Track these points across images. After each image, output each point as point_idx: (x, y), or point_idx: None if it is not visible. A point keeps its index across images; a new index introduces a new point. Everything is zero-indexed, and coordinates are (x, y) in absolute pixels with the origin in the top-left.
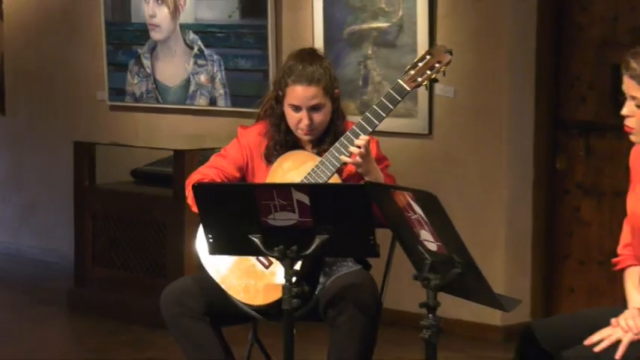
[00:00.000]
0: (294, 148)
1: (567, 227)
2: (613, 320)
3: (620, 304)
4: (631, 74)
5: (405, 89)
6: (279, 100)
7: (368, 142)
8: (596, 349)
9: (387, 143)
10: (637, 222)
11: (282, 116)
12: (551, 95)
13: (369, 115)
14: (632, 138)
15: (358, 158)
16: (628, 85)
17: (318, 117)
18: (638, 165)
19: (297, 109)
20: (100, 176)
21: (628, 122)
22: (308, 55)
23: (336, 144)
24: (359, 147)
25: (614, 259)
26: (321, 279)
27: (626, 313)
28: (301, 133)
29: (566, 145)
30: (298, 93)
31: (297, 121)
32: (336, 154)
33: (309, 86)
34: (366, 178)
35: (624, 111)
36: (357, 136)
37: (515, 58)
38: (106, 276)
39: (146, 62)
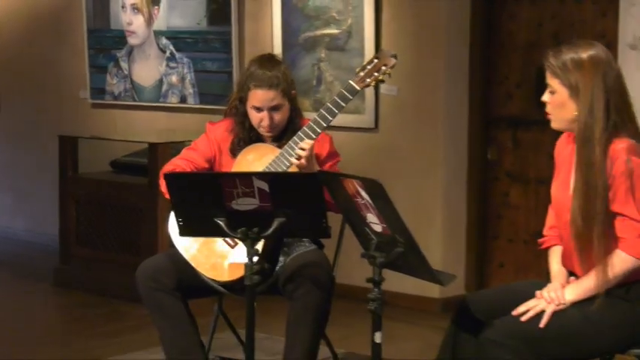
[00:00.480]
0: (256, 142)
1: (497, 210)
2: (537, 292)
3: (543, 279)
4: (547, 65)
5: (356, 89)
6: (242, 100)
7: (311, 146)
8: (523, 318)
9: (338, 137)
10: (560, 207)
11: (246, 115)
12: (482, 93)
13: (323, 111)
14: (552, 124)
15: (303, 161)
16: (547, 75)
17: (277, 116)
18: (561, 156)
19: (258, 110)
20: (82, 166)
21: (546, 109)
22: (267, 61)
23: (294, 137)
24: (303, 149)
25: (540, 240)
26: (281, 258)
27: (550, 286)
28: (263, 130)
29: (496, 137)
30: (259, 96)
31: (259, 120)
32: (294, 147)
33: (269, 90)
34: None
35: (543, 97)
36: (313, 130)
37: (451, 59)
38: (88, 255)
39: (124, 65)
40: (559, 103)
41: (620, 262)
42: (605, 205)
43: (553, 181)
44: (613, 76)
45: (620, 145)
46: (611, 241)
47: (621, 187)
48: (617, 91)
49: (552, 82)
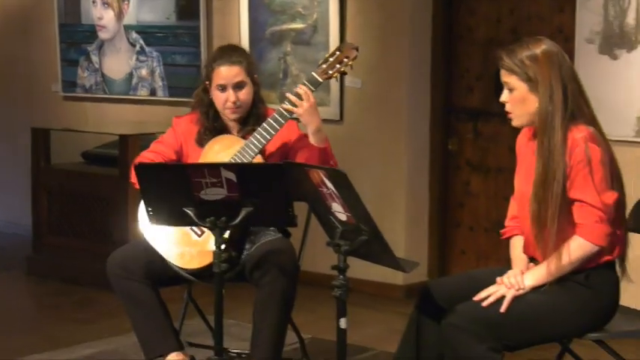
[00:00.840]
0: (222, 133)
1: (459, 199)
2: (498, 279)
3: (504, 265)
4: (502, 64)
5: (318, 81)
6: (206, 90)
7: (307, 92)
8: (484, 303)
9: (303, 128)
10: (522, 198)
11: (210, 104)
12: (444, 85)
13: (287, 103)
14: (513, 123)
15: (299, 109)
16: (502, 74)
17: (242, 95)
18: (522, 149)
19: (223, 88)
20: (54, 157)
21: (506, 108)
22: (230, 46)
23: (259, 129)
24: (298, 95)
25: (502, 230)
26: (247, 246)
27: (510, 273)
28: (228, 112)
29: (457, 128)
30: (223, 73)
31: (225, 100)
32: (260, 138)
33: (232, 66)
34: (309, 130)
35: (501, 98)
36: (277, 121)
37: (413, 53)
38: (60, 244)
39: (94, 58)
40: (520, 99)
41: (577, 247)
42: (562, 189)
43: (516, 173)
44: (566, 67)
45: (579, 135)
46: (568, 228)
47: (580, 174)
48: (572, 81)
49: (510, 79)
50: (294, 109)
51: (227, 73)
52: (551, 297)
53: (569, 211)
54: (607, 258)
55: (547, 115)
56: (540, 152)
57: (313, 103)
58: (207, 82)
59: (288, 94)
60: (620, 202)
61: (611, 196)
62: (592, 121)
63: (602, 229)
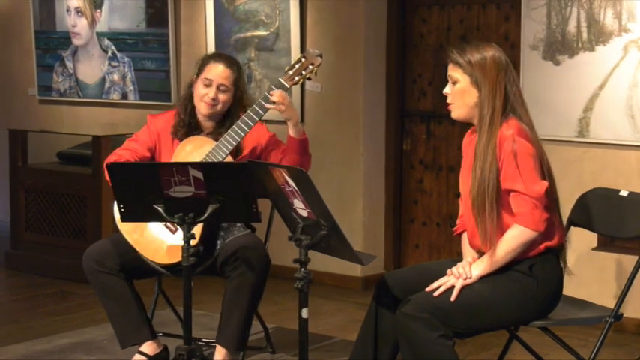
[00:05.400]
0: (195, 130)
1: (413, 196)
2: (448, 270)
3: (455, 258)
4: (450, 58)
5: (285, 86)
6: (191, 85)
7: (282, 95)
8: (435, 293)
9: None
10: (465, 196)
11: (190, 98)
12: (398, 89)
13: (255, 107)
14: (452, 114)
15: (282, 106)
16: (449, 69)
17: (222, 97)
18: (465, 148)
19: (208, 84)
20: (31, 158)
21: (448, 99)
22: (230, 56)
23: (229, 131)
24: (274, 102)
25: (454, 228)
26: (218, 242)
27: (459, 264)
28: (204, 105)
29: (410, 130)
30: (214, 69)
31: (204, 94)
32: (230, 139)
33: (227, 67)
34: (289, 123)
35: (445, 90)
36: (246, 124)
37: (369, 59)
38: (36, 240)
39: (69, 64)
40: (461, 91)
41: (518, 234)
42: (496, 179)
43: (460, 172)
44: (510, 71)
45: (508, 131)
46: (507, 219)
47: (510, 166)
48: (514, 84)
49: (455, 72)
50: (277, 107)
51: (217, 71)
52: (497, 286)
53: (506, 202)
54: (547, 244)
55: (488, 112)
56: (479, 146)
57: (290, 102)
58: (195, 76)
59: (268, 105)
60: (551, 191)
61: (542, 185)
62: (526, 120)
63: (538, 215)
